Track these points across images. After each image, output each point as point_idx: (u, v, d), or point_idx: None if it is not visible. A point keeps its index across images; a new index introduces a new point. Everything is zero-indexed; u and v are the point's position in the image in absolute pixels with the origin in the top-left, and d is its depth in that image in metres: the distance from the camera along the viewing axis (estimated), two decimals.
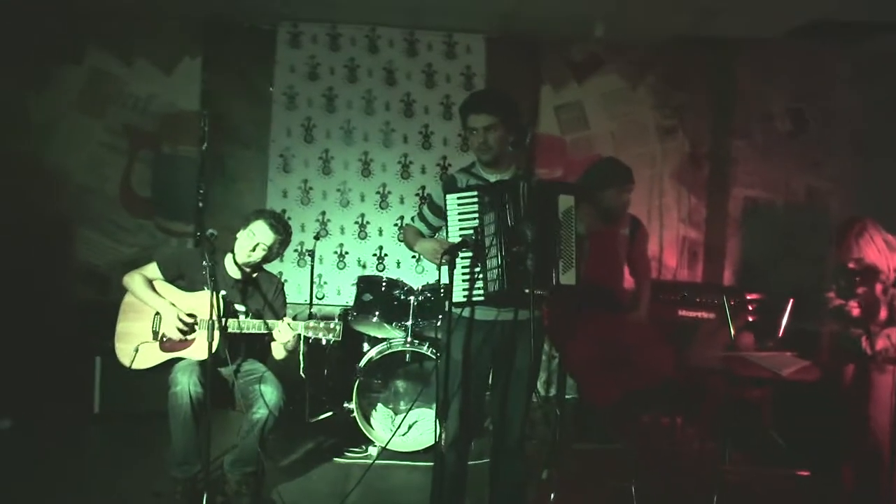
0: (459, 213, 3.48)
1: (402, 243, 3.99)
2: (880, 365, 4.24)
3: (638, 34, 6.65)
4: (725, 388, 4.60)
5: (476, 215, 3.44)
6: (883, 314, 4.27)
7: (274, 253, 4.40)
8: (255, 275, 4.46)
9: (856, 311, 4.36)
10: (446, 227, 3.54)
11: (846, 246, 4.35)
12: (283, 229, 4.38)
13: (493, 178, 3.61)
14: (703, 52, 6.88)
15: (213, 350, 3.94)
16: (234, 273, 4.39)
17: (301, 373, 4.47)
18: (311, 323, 4.24)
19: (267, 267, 4.59)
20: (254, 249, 4.31)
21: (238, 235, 4.35)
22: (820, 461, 4.40)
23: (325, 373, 5.81)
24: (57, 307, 6.35)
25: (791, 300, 5.21)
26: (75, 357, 5.75)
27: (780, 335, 5.17)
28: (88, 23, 6.54)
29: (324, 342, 4.33)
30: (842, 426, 4.51)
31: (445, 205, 3.52)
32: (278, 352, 4.38)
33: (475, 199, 3.46)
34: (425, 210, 3.80)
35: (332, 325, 4.22)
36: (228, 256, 4.38)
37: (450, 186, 3.60)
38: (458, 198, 3.50)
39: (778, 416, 5.09)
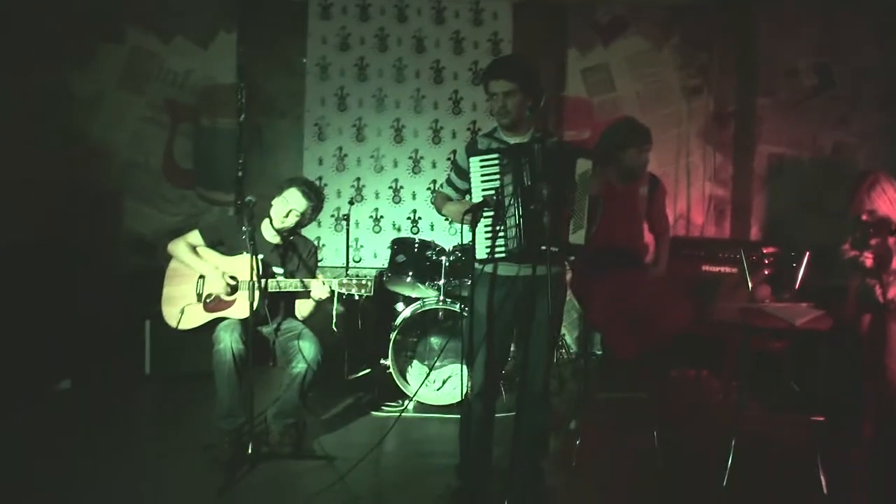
0: (482, 175, 3.65)
1: (433, 206, 4.18)
2: (894, 313, 4.37)
3: None
4: (746, 341, 4.74)
5: (497, 176, 3.61)
6: (895, 264, 4.39)
7: (307, 218, 4.64)
8: (291, 238, 4.72)
9: (869, 262, 4.49)
10: (471, 189, 3.73)
11: (859, 199, 4.47)
12: (315, 196, 4.62)
13: (512, 141, 3.75)
14: (725, 12, 6.93)
15: (254, 309, 4.21)
16: (273, 238, 4.64)
17: (333, 326, 4.73)
18: (344, 280, 4.47)
19: (304, 232, 4.85)
20: (287, 215, 4.55)
21: (273, 202, 4.59)
22: (837, 409, 4.54)
23: (360, 326, 6.02)
24: (107, 275, 6.65)
25: (807, 253, 5.33)
26: (127, 321, 6.07)
27: (797, 287, 5.29)
28: (127, 2, 6.77)
29: (356, 297, 4.57)
30: (859, 375, 4.66)
31: (469, 167, 3.70)
32: (305, 308, 4.66)
33: (496, 161, 3.62)
34: (452, 175, 3.98)
35: (363, 281, 4.46)
36: (265, 222, 4.62)
37: (472, 150, 3.76)
38: (481, 160, 3.66)
39: (798, 368, 5.23)
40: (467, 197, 3.85)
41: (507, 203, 3.56)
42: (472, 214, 3.58)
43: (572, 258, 4.31)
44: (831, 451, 4.30)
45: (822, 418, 4.29)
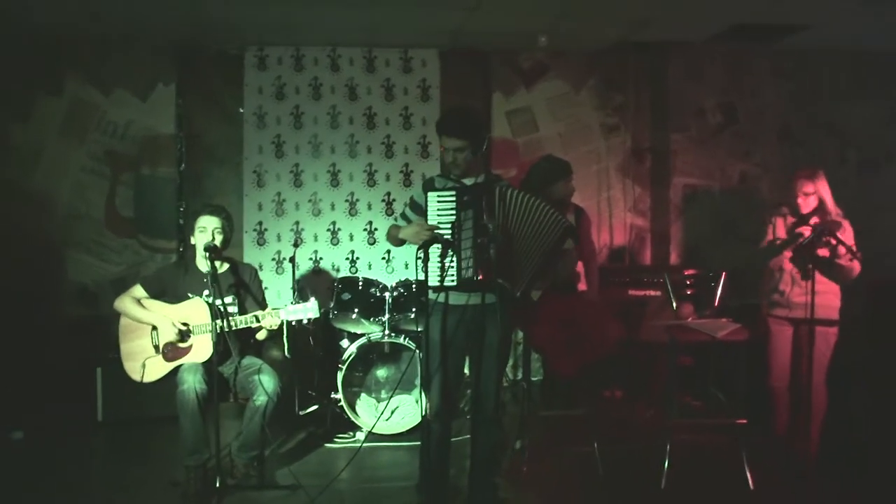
0: (438, 209, 3.99)
1: (387, 240, 4.43)
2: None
3: (578, 43, 7.14)
4: (673, 354, 5.16)
5: (453, 211, 3.95)
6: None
7: (228, 231, 4.88)
8: (233, 265, 4.98)
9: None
10: (426, 221, 4.03)
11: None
12: (220, 210, 4.91)
13: (468, 182, 4.09)
14: (638, 56, 7.45)
15: (216, 350, 4.43)
16: (207, 268, 4.73)
17: (286, 353, 4.95)
18: (290, 307, 4.71)
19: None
20: (213, 238, 4.77)
21: (194, 240, 4.85)
22: (753, 411, 4.97)
23: (311, 344, 6.20)
24: (53, 325, 6.72)
25: (724, 273, 5.81)
26: (75, 369, 6.14)
27: (716, 304, 5.76)
28: (67, 55, 6.89)
29: (305, 321, 4.80)
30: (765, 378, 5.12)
31: (426, 201, 4.02)
32: (262, 334, 4.90)
33: (453, 198, 3.97)
34: (407, 210, 4.27)
35: (309, 305, 4.69)
36: (198, 258, 4.86)
37: (430, 186, 4.12)
38: (438, 196, 4.01)
39: (718, 377, 5.68)
40: None
41: (464, 236, 3.90)
42: (429, 241, 3.92)
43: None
44: (753, 450, 4.75)
45: (744, 421, 4.72)
